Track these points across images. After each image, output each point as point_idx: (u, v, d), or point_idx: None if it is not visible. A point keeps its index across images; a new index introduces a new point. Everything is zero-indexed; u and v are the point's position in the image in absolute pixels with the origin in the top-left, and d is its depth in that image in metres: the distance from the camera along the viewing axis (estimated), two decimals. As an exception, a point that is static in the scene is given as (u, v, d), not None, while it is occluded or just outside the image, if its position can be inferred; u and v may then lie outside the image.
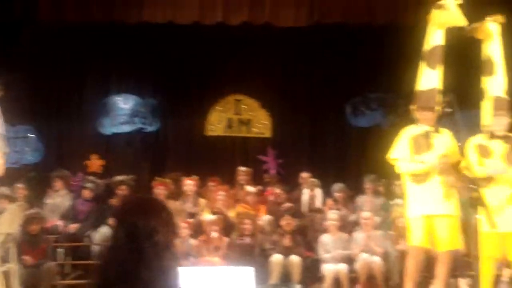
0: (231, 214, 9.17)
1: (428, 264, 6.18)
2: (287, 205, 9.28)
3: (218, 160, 11.27)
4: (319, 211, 9.42)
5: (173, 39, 10.90)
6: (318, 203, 9.71)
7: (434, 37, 5.78)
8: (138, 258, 2.49)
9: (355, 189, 9.82)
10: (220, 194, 9.37)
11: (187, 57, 11.23)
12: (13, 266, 6.63)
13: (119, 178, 9.61)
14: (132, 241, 2.52)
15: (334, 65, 11.27)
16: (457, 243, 5.48)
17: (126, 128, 11.48)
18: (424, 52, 5.81)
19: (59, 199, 9.40)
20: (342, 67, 11.27)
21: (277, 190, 9.72)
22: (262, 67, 11.52)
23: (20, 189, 9.03)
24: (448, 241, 5.39)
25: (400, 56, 9.16)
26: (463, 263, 8.25)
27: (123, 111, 11.48)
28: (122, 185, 9.34)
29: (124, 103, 11.52)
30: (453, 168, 5.45)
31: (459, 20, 5.73)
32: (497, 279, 7.13)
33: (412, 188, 5.56)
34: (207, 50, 11.11)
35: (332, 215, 8.83)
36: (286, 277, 8.29)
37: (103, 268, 2.56)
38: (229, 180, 10.13)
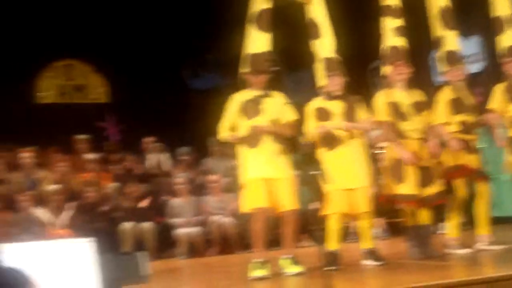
0: (75, 183, 8.74)
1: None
2: (133, 171, 9.04)
3: (53, 129, 10.55)
4: (167, 175, 9.28)
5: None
6: (165, 167, 9.54)
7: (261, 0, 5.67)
8: None
9: (202, 152, 9.73)
10: (59, 165, 8.88)
11: (7, 17, 10.28)
12: None
13: None
14: None
15: (169, 26, 10.99)
16: (295, 203, 5.46)
17: None
18: (252, 15, 5.67)
19: None
20: (168, 28, 10.94)
21: (121, 157, 9.41)
22: (92, 29, 10.87)
23: None
24: (286, 201, 5.38)
25: (236, 17, 9.08)
26: (313, 218, 8.53)
27: None
28: None
29: None
30: (286, 130, 5.45)
31: None
32: (346, 231, 7.42)
33: (246, 152, 5.47)
34: (30, 9, 10.28)
35: (179, 179, 8.76)
36: (138, 244, 8.10)
37: None
38: (70, 149, 9.60)
